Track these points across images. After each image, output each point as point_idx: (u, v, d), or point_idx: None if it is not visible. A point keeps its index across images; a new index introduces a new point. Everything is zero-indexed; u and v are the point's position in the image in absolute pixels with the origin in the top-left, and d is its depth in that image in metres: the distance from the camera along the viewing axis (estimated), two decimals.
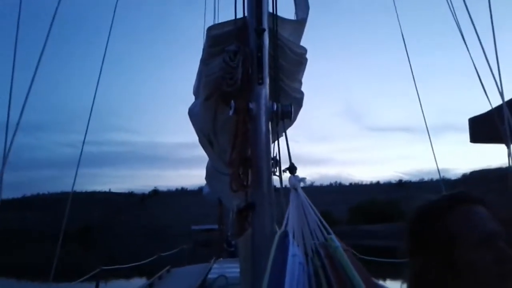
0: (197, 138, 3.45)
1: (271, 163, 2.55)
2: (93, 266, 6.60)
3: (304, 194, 2.09)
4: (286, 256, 1.47)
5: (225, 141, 3.05)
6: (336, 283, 1.48)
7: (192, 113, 3.29)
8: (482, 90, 2.82)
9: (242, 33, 2.72)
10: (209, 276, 5.58)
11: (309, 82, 3.27)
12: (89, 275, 6.40)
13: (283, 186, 2.49)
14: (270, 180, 2.52)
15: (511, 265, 0.89)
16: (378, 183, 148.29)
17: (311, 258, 1.76)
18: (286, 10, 2.98)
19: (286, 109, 2.59)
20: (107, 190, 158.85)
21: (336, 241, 1.74)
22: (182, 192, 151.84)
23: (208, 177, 5.07)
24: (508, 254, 0.89)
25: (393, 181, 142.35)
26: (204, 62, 2.89)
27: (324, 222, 1.94)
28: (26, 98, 2.71)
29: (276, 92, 2.68)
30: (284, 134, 2.63)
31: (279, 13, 2.77)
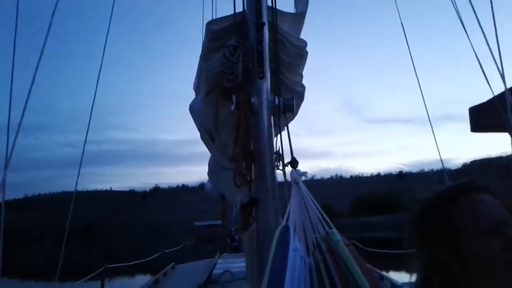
0: (196, 134, 3.44)
1: (274, 157, 2.55)
2: (96, 264, 6.63)
3: (306, 188, 2.09)
4: (287, 250, 1.47)
5: (227, 136, 3.04)
6: (338, 277, 1.48)
7: (193, 109, 3.28)
8: (483, 78, 2.81)
9: (241, 28, 2.70)
10: (214, 271, 5.59)
11: (308, 75, 3.28)
12: (94, 273, 6.42)
13: (286, 180, 2.49)
14: (273, 174, 2.51)
15: None
16: (378, 175, 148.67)
17: (313, 252, 1.76)
18: (285, 3, 2.97)
19: (288, 102, 2.58)
20: (108, 188, 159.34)
21: (337, 235, 1.74)
22: (183, 189, 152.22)
23: (210, 172, 5.07)
24: None
25: (394, 173, 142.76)
26: (204, 57, 2.88)
27: (325, 216, 1.94)
28: (27, 100, 2.70)
29: (277, 86, 2.67)
30: (286, 128, 2.63)
31: (278, 7, 2.76)
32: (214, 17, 3.25)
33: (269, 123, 2.55)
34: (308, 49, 3.00)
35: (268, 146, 2.52)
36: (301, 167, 2.35)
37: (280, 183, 2.53)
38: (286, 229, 1.65)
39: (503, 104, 2.50)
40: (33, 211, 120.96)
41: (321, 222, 1.93)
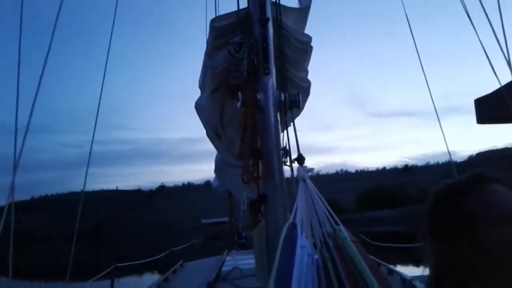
0: (201, 132, 3.45)
1: (281, 154, 2.55)
2: (105, 264, 6.66)
3: (313, 184, 2.09)
4: (295, 247, 1.47)
5: (234, 133, 3.04)
6: (345, 275, 1.48)
7: (199, 107, 3.28)
8: (489, 69, 2.79)
9: (245, 24, 2.70)
10: (223, 268, 5.59)
11: (311, 70, 3.27)
12: (104, 272, 6.45)
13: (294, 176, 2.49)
14: (281, 170, 2.51)
15: None
16: (384, 169, 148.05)
17: (320, 250, 1.76)
18: None
19: (294, 98, 2.58)
20: (114, 188, 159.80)
21: (344, 232, 1.74)
22: (188, 187, 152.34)
23: (217, 170, 5.07)
24: None
25: (399, 166, 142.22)
26: (208, 55, 2.88)
27: (332, 213, 1.94)
28: (33, 104, 2.71)
29: (283, 81, 2.67)
30: (292, 123, 2.63)
31: (282, 2, 2.76)
32: (217, 14, 3.25)
33: (276, 120, 2.55)
34: (312, 44, 3.00)
35: (275, 143, 2.52)
36: (306, 162, 2.35)
37: (287, 179, 2.53)
38: (293, 226, 1.65)
39: (510, 94, 2.48)
40: (40, 212, 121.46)
41: (328, 219, 1.93)
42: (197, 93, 3.53)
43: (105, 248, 50.19)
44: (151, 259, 9.10)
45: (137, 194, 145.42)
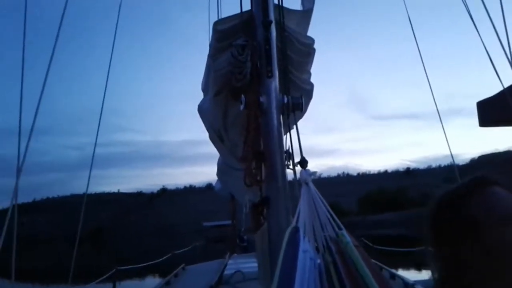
0: (202, 135, 3.44)
1: (284, 156, 2.54)
2: (106, 267, 6.65)
3: (315, 188, 2.08)
4: (297, 252, 1.46)
5: (236, 136, 3.04)
6: (348, 280, 1.47)
7: (202, 110, 3.27)
8: (492, 72, 2.79)
9: (248, 27, 2.70)
10: (226, 272, 5.58)
11: (313, 73, 3.26)
12: (106, 276, 6.43)
13: (297, 179, 2.48)
14: (284, 173, 2.50)
15: None
16: (386, 172, 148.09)
17: (322, 254, 1.75)
18: (292, 1, 2.96)
19: (297, 101, 2.57)
20: (116, 191, 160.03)
21: (347, 237, 1.73)
22: (190, 190, 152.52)
23: (219, 173, 5.06)
24: None
25: (401, 169, 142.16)
26: (212, 57, 2.88)
27: (335, 217, 1.92)
28: (37, 108, 2.71)
29: (286, 84, 2.66)
30: (295, 126, 2.62)
31: (285, 4, 2.75)
32: (220, 17, 3.25)
33: (279, 122, 2.54)
34: (315, 46, 2.99)
35: (278, 145, 2.51)
36: (308, 165, 2.34)
37: (290, 182, 2.52)
38: (295, 230, 1.64)
39: None
40: (42, 215, 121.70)
41: (330, 223, 1.91)
42: (199, 95, 3.53)
43: (106, 251, 50.19)
44: (152, 262, 9.09)
45: (138, 197, 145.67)
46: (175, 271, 6.84)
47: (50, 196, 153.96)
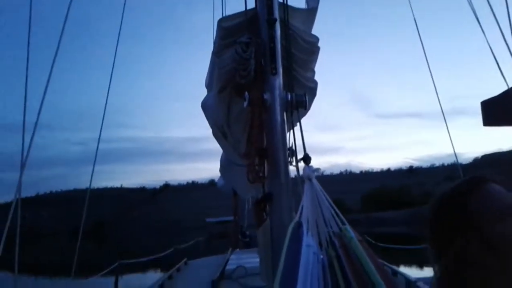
0: (205, 131, 3.46)
1: (287, 153, 2.56)
2: (109, 261, 6.67)
3: (319, 184, 2.09)
4: (300, 246, 1.47)
5: (240, 132, 3.05)
6: (351, 274, 1.48)
7: (206, 106, 3.29)
8: (496, 71, 2.79)
9: (253, 24, 2.71)
10: (228, 267, 5.60)
11: (317, 71, 3.27)
12: (108, 269, 6.47)
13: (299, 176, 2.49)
14: (287, 170, 2.52)
15: None
16: (388, 170, 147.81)
17: (326, 249, 1.76)
18: None
19: (301, 98, 2.59)
20: (118, 186, 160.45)
21: (351, 232, 1.74)
22: (193, 186, 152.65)
23: (222, 169, 5.08)
24: None
25: (404, 168, 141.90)
26: (216, 54, 2.89)
27: (338, 212, 1.93)
28: (42, 103, 2.73)
29: (290, 82, 2.67)
30: (298, 123, 2.63)
31: (289, 3, 2.76)
32: (225, 14, 3.26)
33: (282, 119, 2.56)
34: (319, 44, 3.00)
35: (281, 142, 2.53)
36: (311, 163, 2.36)
37: (293, 179, 2.53)
38: (299, 225, 1.66)
39: None
40: (45, 209, 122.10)
41: (334, 218, 1.92)
42: (203, 92, 3.54)
43: (109, 245, 50.31)
44: (155, 256, 9.12)
45: (141, 192, 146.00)
46: (177, 266, 6.86)
47: (54, 191, 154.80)
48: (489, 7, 2.78)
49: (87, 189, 3.80)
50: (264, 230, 2.56)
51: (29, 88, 2.76)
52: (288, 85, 2.65)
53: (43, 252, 43.95)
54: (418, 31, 4.21)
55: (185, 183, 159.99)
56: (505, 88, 2.79)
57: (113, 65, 3.91)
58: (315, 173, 2.19)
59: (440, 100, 4.07)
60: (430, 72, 4.09)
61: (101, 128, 3.75)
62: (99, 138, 3.68)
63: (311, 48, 2.93)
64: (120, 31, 4.00)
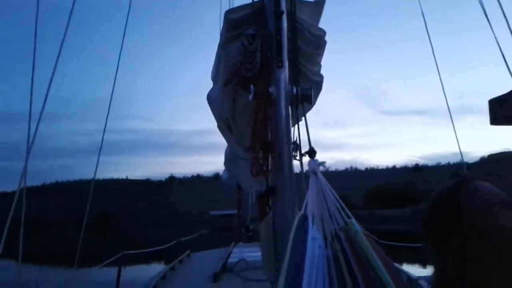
0: (210, 125, 3.45)
1: (291, 147, 2.55)
2: (113, 252, 6.70)
3: (324, 178, 2.08)
4: (306, 239, 1.47)
5: (244, 126, 3.05)
6: (357, 267, 1.47)
7: (211, 99, 3.28)
8: (505, 69, 2.77)
9: (260, 17, 2.70)
10: (230, 260, 5.63)
11: (323, 65, 3.25)
12: (112, 259, 6.50)
13: (303, 171, 2.48)
14: (291, 164, 2.51)
15: None
16: (394, 167, 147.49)
17: (331, 242, 1.75)
18: None
19: (306, 92, 2.57)
20: (124, 177, 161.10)
21: (356, 226, 1.73)
22: (197, 179, 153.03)
23: (226, 162, 5.09)
24: None
25: (409, 165, 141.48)
26: (222, 46, 2.88)
27: (344, 206, 1.92)
28: (47, 92, 2.73)
29: (296, 75, 2.66)
30: (304, 118, 2.62)
31: None
32: (232, 6, 3.25)
33: (287, 113, 2.54)
34: (326, 38, 2.98)
35: (285, 136, 2.52)
36: (316, 157, 2.35)
37: (297, 174, 2.52)
38: (304, 218, 1.65)
39: None
40: (51, 198, 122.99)
41: (339, 212, 1.91)
42: (209, 85, 3.54)
43: (113, 237, 50.59)
44: (158, 248, 9.15)
45: (146, 184, 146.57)
46: (180, 257, 6.90)
47: (60, 181, 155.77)
48: (497, 4, 2.75)
49: (92, 179, 3.82)
50: (267, 223, 2.56)
51: (39, 78, 2.77)
52: (294, 78, 2.64)
53: (49, 242, 44.28)
54: (426, 27, 4.19)
55: (190, 176, 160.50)
56: None
57: (119, 57, 3.92)
58: (321, 167, 2.18)
59: (447, 97, 4.05)
60: (438, 69, 4.07)
61: (106, 119, 3.77)
62: (104, 129, 3.69)
63: (318, 42, 2.91)
64: (126, 23, 4.00)
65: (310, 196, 1.93)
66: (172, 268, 6.12)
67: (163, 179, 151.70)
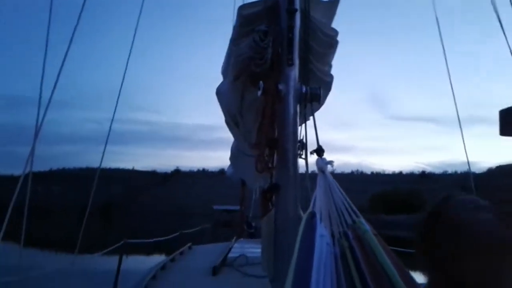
0: (218, 120, 3.45)
1: (297, 146, 2.54)
2: (115, 241, 6.74)
3: (332, 176, 2.07)
4: (314, 236, 1.47)
5: (251, 122, 3.05)
6: (365, 265, 1.47)
7: (220, 93, 3.28)
8: None
9: (273, 13, 2.69)
10: (230, 254, 5.66)
11: (334, 66, 3.24)
12: (113, 247, 6.54)
13: (309, 170, 2.48)
14: (296, 162, 2.51)
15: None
16: (400, 173, 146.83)
17: (338, 240, 1.75)
18: None
19: (315, 91, 2.56)
20: (130, 168, 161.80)
21: (365, 224, 1.72)
22: (203, 173, 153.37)
23: (232, 157, 5.09)
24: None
25: (416, 172, 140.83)
26: (234, 41, 2.88)
27: (352, 205, 1.90)
28: (57, 78, 2.75)
29: (306, 74, 2.66)
30: (312, 117, 2.62)
31: None
32: (245, 1, 3.25)
33: (295, 111, 2.54)
34: (338, 38, 2.97)
35: (292, 134, 2.51)
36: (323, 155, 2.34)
37: (301, 174, 2.52)
38: (312, 215, 1.64)
39: None
40: (57, 184, 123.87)
41: (348, 211, 1.90)
42: (219, 80, 3.54)
43: (116, 226, 50.82)
44: (160, 239, 9.20)
45: (152, 176, 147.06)
46: (181, 249, 6.93)
47: (66, 167, 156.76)
48: None
49: (98, 168, 3.84)
50: (268, 220, 2.56)
51: (51, 65, 2.79)
52: (304, 77, 2.63)
53: (53, 227, 44.57)
54: (440, 35, 4.17)
55: (195, 170, 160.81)
56: None
57: (131, 48, 3.96)
58: (329, 166, 2.17)
59: (458, 107, 4.02)
60: (449, 77, 4.04)
61: (115, 109, 3.79)
62: (112, 118, 3.71)
63: (330, 42, 2.91)
64: (140, 14, 4.02)
65: (318, 194, 1.92)
66: (173, 260, 6.15)
67: (169, 171, 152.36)
